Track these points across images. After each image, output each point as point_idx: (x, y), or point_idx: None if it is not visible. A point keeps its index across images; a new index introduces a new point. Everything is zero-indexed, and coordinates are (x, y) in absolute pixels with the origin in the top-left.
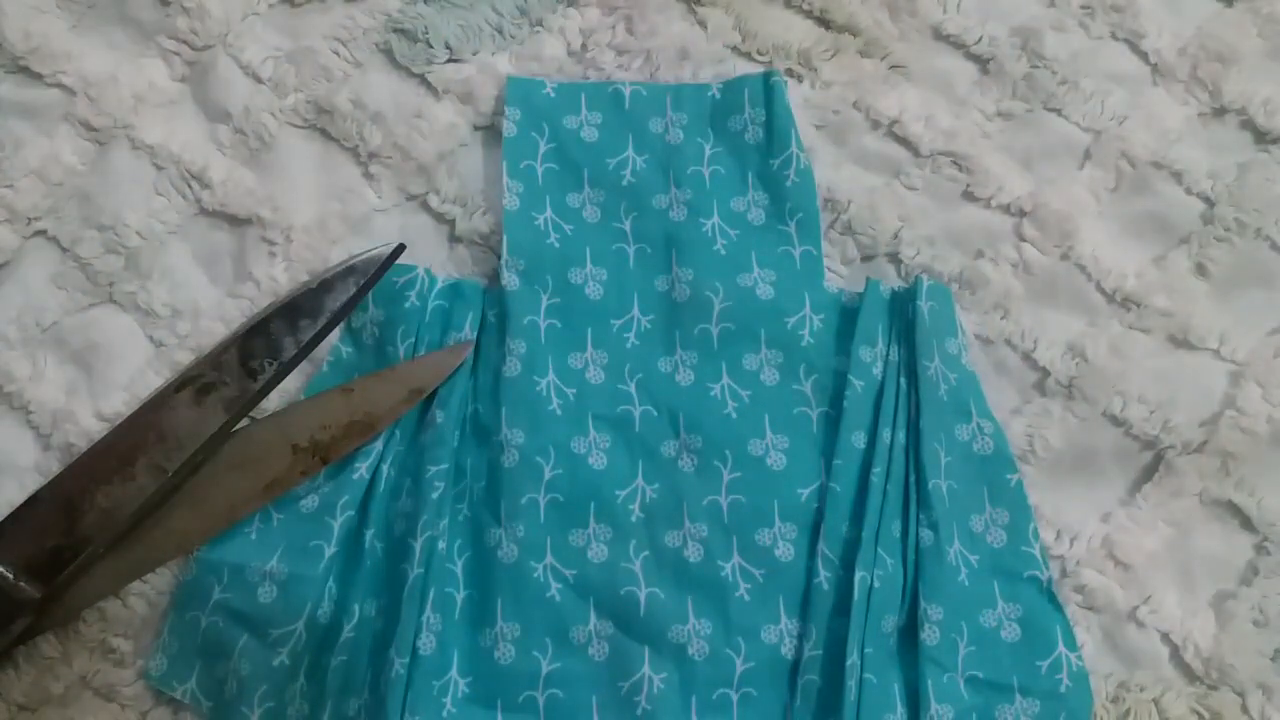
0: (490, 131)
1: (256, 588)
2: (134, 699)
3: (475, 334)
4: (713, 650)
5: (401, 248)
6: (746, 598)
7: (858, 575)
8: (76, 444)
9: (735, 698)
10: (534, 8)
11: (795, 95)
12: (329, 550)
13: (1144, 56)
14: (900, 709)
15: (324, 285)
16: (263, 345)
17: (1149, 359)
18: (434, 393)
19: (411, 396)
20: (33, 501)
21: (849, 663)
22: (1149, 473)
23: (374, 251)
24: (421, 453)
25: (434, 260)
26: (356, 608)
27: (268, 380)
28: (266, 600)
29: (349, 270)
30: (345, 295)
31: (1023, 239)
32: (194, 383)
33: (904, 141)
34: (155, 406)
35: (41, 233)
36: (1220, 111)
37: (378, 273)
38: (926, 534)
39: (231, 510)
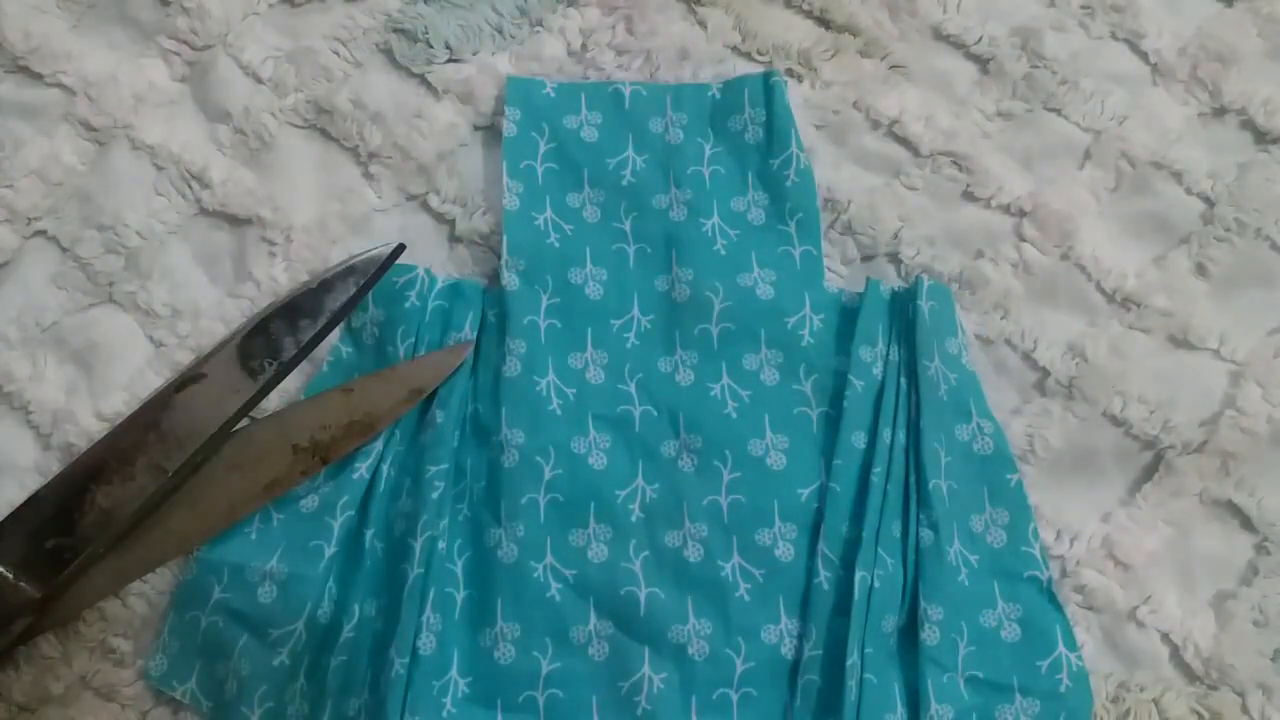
0: (490, 131)
1: (256, 588)
2: (134, 699)
3: (475, 334)
4: (713, 650)
5: (401, 248)
6: (746, 598)
7: (858, 575)
8: (76, 444)
9: (735, 698)
10: (534, 8)
11: (795, 95)
12: (329, 550)
13: (1144, 56)
14: (900, 709)
15: (324, 285)
16: (263, 345)
17: (1149, 359)
18: (434, 393)
19: (411, 396)
20: (33, 501)
21: (849, 663)
22: (1149, 473)
23: (374, 251)
24: (421, 453)
25: (434, 260)
26: (356, 608)
27: (268, 380)
28: (266, 600)
29: (349, 270)
30: (345, 295)
31: (1023, 239)
32: (194, 383)
33: (904, 141)
34: (155, 406)
35: (41, 233)
36: (1220, 111)
37: (378, 273)
38: (926, 534)
39: (231, 510)
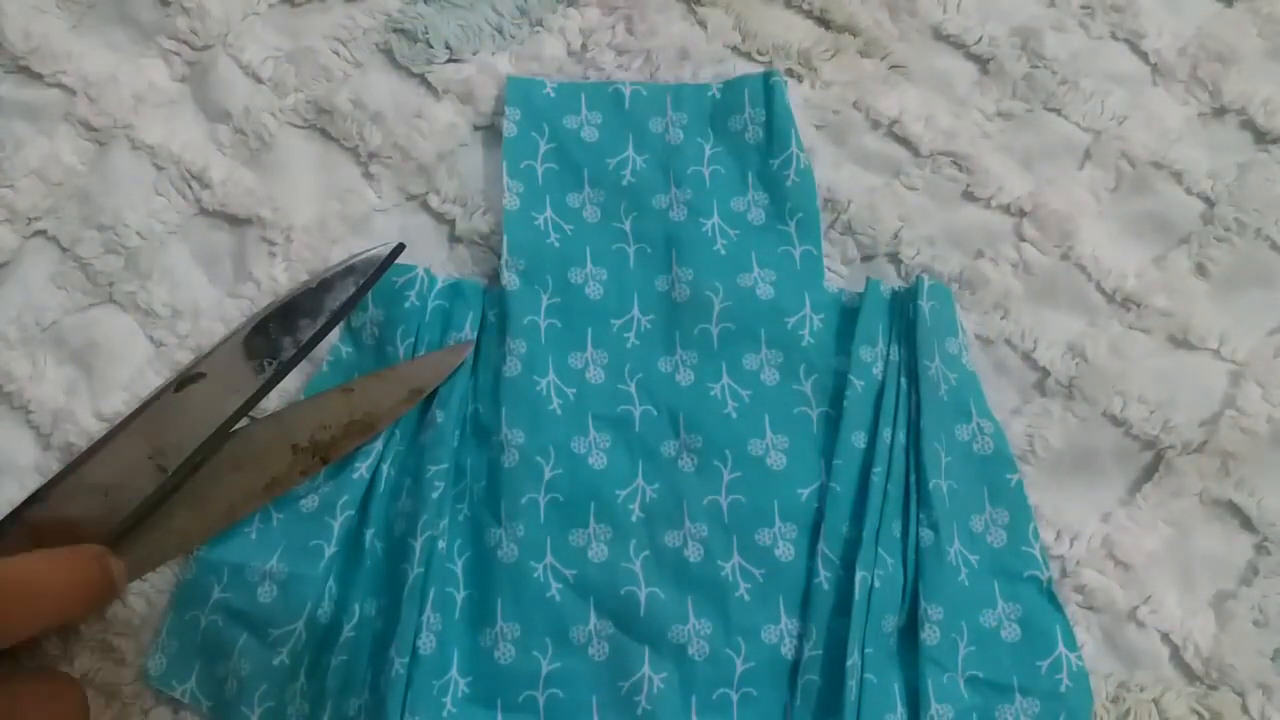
0: (490, 131)
1: (256, 587)
2: (134, 698)
3: (475, 334)
4: (713, 650)
5: (401, 247)
6: (746, 598)
7: (858, 575)
8: (76, 444)
9: (735, 698)
10: (534, 8)
11: (795, 95)
12: (329, 550)
13: (1144, 56)
14: (900, 709)
15: (324, 285)
16: (262, 345)
17: (1149, 359)
18: (434, 392)
19: (412, 396)
20: (31, 501)
21: (849, 663)
22: (1149, 473)
23: (374, 251)
24: (422, 452)
25: (434, 260)
26: (357, 607)
27: (267, 380)
28: (266, 600)
29: (349, 270)
30: (345, 295)
31: (1023, 239)
32: (193, 382)
33: (904, 141)
34: (154, 406)
35: (41, 233)
36: (1220, 111)
37: (377, 272)
38: (927, 534)
39: (231, 510)
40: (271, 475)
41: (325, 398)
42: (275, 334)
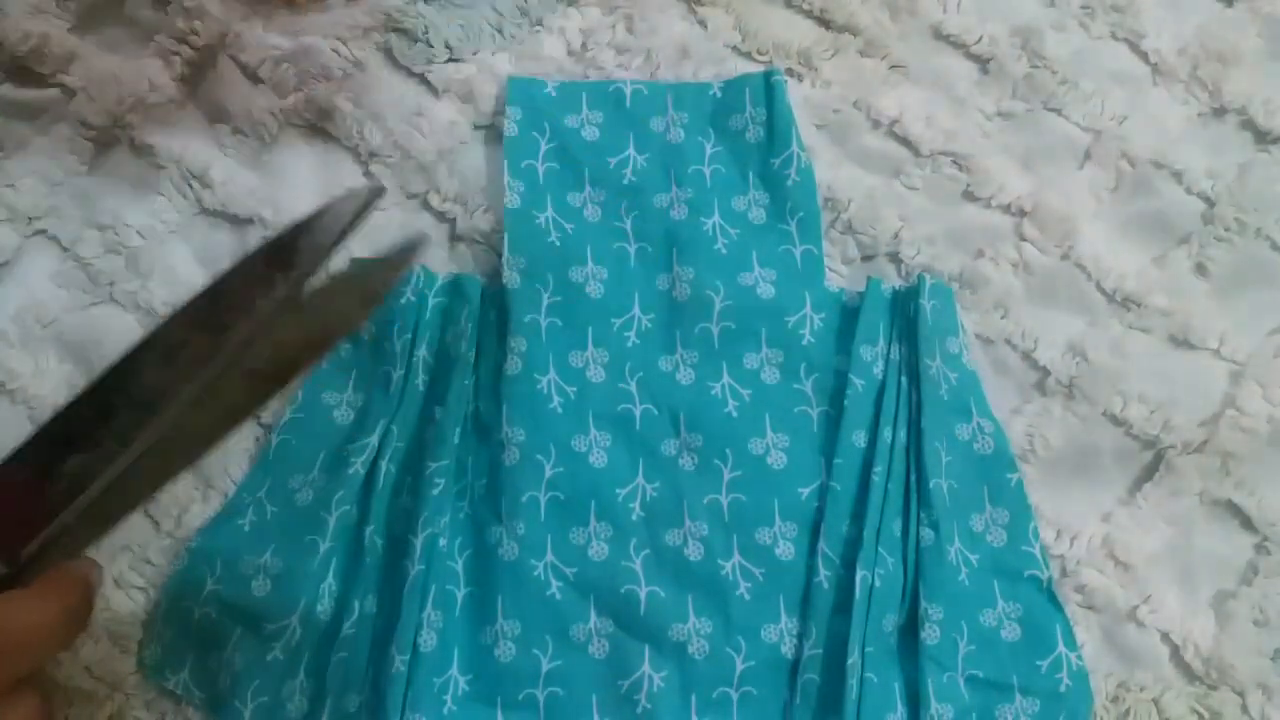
0: (490, 130)
1: (250, 580)
2: (137, 688)
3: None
4: (713, 649)
5: (381, 190)
6: (747, 596)
7: (858, 574)
8: None
9: (735, 696)
10: (534, 7)
11: (795, 95)
12: (324, 545)
13: (1144, 56)
14: (900, 708)
15: (297, 231)
16: (234, 300)
17: (1149, 359)
18: (435, 386)
19: (365, 304)
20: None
21: (849, 661)
22: (1149, 473)
23: (350, 194)
24: (423, 450)
25: (435, 259)
26: (357, 604)
27: (242, 339)
28: (260, 594)
29: (323, 217)
30: (321, 244)
31: (1023, 239)
32: (164, 341)
33: (904, 141)
34: (124, 367)
35: (42, 232)
36: (1220, 111)
37: (355, 220)
38: (927, 533)
39: (195, 448)
40: (229, 403)
41: (278, 321)
42: (247, 288)
